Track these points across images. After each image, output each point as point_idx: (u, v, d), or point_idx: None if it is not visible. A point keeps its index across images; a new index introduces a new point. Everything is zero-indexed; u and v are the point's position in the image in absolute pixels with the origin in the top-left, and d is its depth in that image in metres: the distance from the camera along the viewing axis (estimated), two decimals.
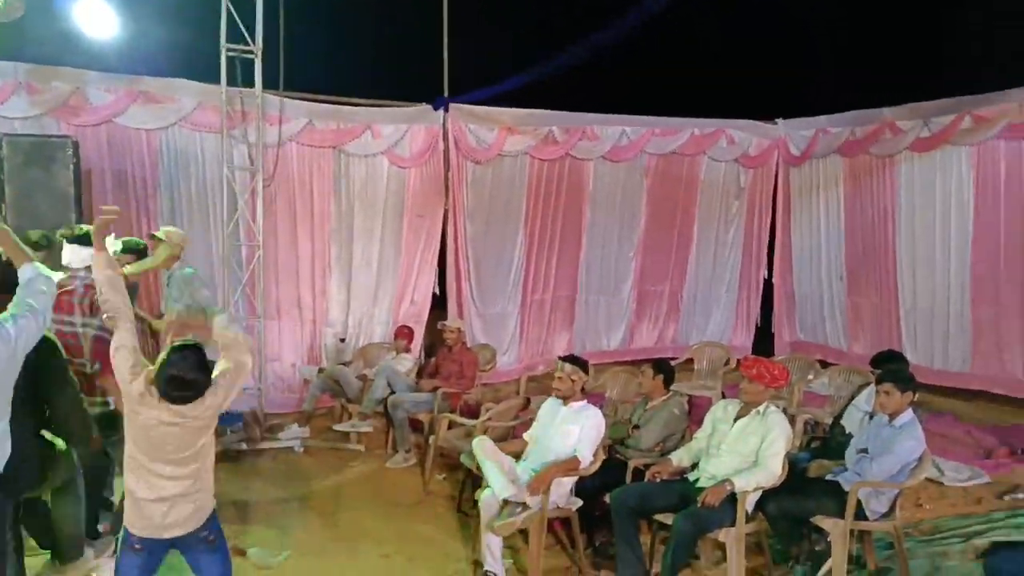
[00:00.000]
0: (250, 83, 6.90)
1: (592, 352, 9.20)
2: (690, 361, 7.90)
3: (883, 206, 8.80)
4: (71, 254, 4.13)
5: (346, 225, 7.84)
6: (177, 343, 2.98)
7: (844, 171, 9.26)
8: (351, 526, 5.09)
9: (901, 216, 8.62)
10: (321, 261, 7.76)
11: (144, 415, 2.93)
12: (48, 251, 4.61)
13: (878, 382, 4.29)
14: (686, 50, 11.11)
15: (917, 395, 5.05)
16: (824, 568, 4.16)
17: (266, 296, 7.32)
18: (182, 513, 3.02)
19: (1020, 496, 5.48)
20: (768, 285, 10.21)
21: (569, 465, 4.29)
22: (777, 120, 9.79)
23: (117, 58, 6.83)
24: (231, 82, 6.79)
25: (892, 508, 4.15)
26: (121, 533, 3.06)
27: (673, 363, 6.96)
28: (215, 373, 3.04)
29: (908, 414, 4.16)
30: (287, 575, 4.41)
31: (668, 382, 5.07)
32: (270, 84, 7.39)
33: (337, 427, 6.57)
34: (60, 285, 3.70)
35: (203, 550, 3.12)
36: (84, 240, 3.99)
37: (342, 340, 7.84)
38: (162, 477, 2.97)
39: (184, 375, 2.88)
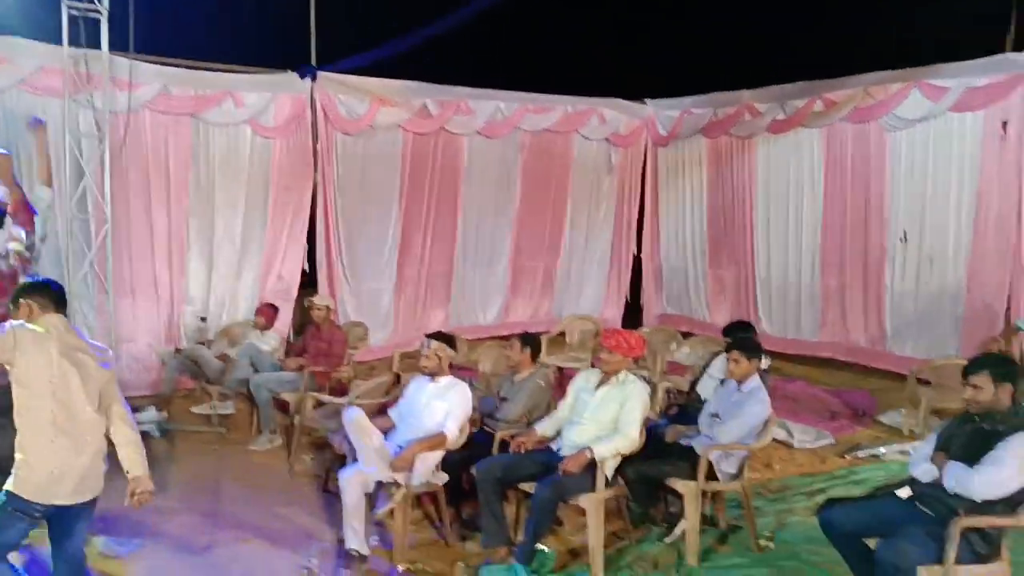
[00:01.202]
0: (97, 44, 6.41)
1: (468, 327, 9.23)
2: (562, 334, 8.04)
3: (742, 184, 9.24)
4: None
5: (206, 198, 7.46)
6: None
7: (707, 151, 9.64)
8: (209, 512, 4.87)
9: (758, 194, 9.09)
10: (179, 236, 7.34)
11: None
12: None
13: (727, 350, 4.50)
14: (558, 28, 11.21)
15: (771, 362, 5.34)
16: (679, 528, 4.35)
17: (119, 273, 6.89)
18: None
19: (860, 455, 5.92)
20: (638, 260, 10.53)
21: (435, 441, 4.27)
22: (646, 100, 10.06)
23: None
24: (75, 42, 6.28)
25: (741, 469, 4.37)
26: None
27: (545, 336, 7.09)
28: None
29: (755, 380, 4.39)
30: (139, 565, 4.18)
31: (535, 355, 5.12)
32: (120, 46, 6.89)
33: (196, 410, 6.29)
34: None
35: None
36: None
37: (203, 319, 7.48)
38: None
39: None
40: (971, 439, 3.37)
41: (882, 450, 5.91)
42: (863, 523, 3.45)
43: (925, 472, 3.44)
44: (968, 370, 3.42)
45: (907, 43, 8.44)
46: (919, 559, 3.17)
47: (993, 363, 3.40)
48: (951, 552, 3.16)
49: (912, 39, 8.48)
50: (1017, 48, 7.25)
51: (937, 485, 3.36)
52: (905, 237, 7.57)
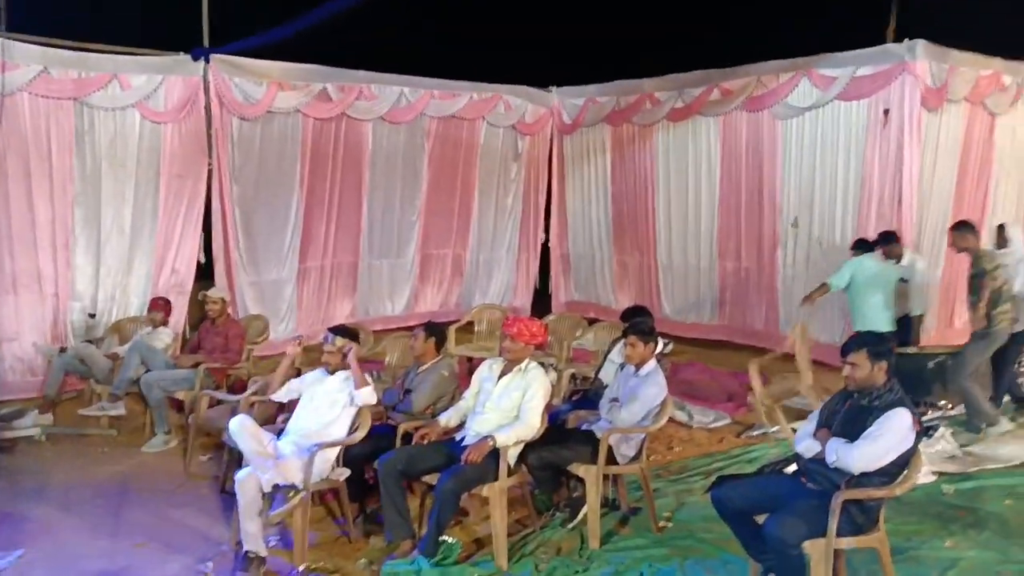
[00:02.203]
0: None
1: (376, 318, 9.13)
2: (471, 323, 8.02)
3: (644, 172, 9.44)
4: None
5: (92, 187, 7.08)
6: None
7: (610, 139, 9.79)
8: (100, 517, 4.67)
9: (659, 181, 9.31)
10: (64, 228, 6.95)
11: None
12: None
13: (623, 335, 4.58)
14: (463, 14, 11.13)
15: (672, 345, 5.47)
16: (582, 512, 4.42)
17: None
18: None
19: (755, 434, 6.15)
20: (546, 248, 10.61)
21: (333, 440, 4.20)
22: (551, 88, 10.11)
23: None
24: None
25: (640, 452, 4.46)
26: None
27: (454, 326, 7.05)
28: None
29: (652, 363, 4.48)
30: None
31: (440, 345, 5.08)
32: None
33: (84, 411, 5.98)
34: None
35: None
36: None
37: (91, 315, 7.10)
38: None
39: None
40: (850, 415, 3.54)
41: (775, 429, 6.16)
42: (752, 500, 3.57)
43: (808, 448, 3.59)
44: (845, 349, 3.57)
45: (797, 34, 8.76)
46: (804, 533, 3.31)
47: (869, 342, 3.57)
48: (833, 524, 3.31)
49: (802, 30, 8.81)
50: (898, 39, 7.63)
51: (820, 460, 3.51)
52: (796, 223, 7.87)
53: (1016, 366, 6.54)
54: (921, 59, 7.04)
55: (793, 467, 3.71)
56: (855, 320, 6.58)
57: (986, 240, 6.60)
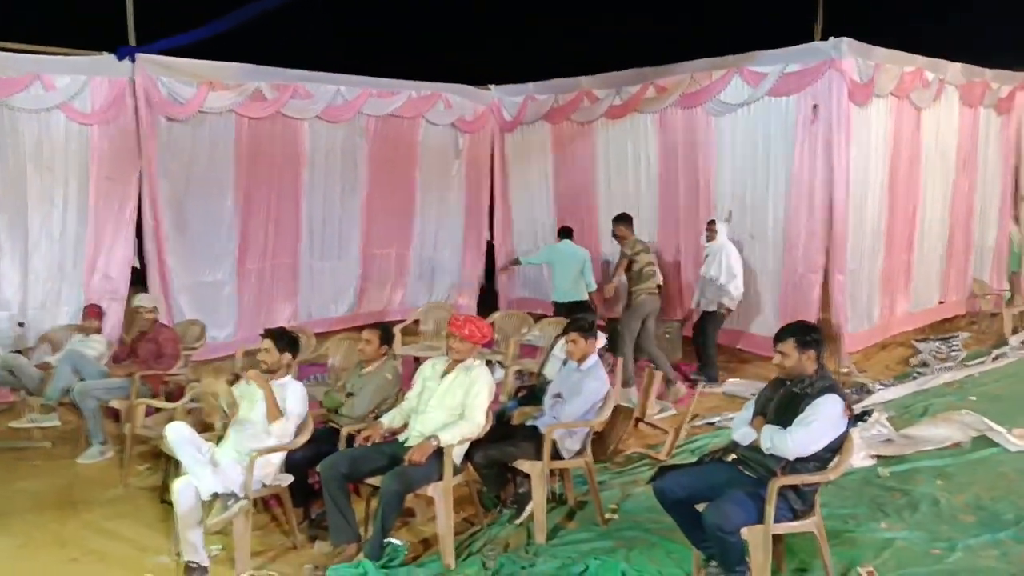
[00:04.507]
0: None
1: (319, 320, 9.00)
2: (417, 322, 7.98)
3: (585, 168, 9.51)
4: None
5: (16, 191, 6.82)
6: None
7: (551, 136, 9.84)
8: (31, 532, 4.51)
9: (599, 177, 9.39)
10: None
11: None
12: None
13: (564, 332, 4.61)
14: (400, 11, 11.06)
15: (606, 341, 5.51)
16: (528, 509, 4.44)
17: None
18: None
19: (698, 424, 6.26)
20: (491, 245, 10.60)
21: (272, 445, 4.13)
22: (490, 86, 10.12)
23: None
24: None
25: (585, 446, 4.50)
26: None
27: (400, 325, 7.00)
28: None
29: (593, 358, 4.54)
30: None
31: (385, 344, 5.03)
32: None
33: (15, 424, 5.76)
34: None
35: None
36: None
37: (20, 324, 6.85)
38: None
39: None
40: (783, 402, 3.63)
41: (717, 419, 6.29)
42: (692, 489, 3.64)
43: (744, 436, 3.68)
44: (776, 338, 3.67)
45: (729, 32, 8.95)
46: (741, 520, 3.39)
47: (797, 331, 3.67)
48: (770, 510, 3.40)
49: (733, 28, 9.00)
50: (824, 36, 7.85)
51: (756, 448, 3.60)
52: (730, 216, 8.03)
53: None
54: (847, 56, 7.25)
55: (732, 455, 3.79)
56: (554, 291, 8.14)
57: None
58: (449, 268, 10.39)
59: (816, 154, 7.48)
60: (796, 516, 3.54)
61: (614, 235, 7.55)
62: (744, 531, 3.38)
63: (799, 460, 3.49)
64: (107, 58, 7.08)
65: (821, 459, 3.52)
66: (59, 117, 6.93)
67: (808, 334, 3.64)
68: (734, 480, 3.62)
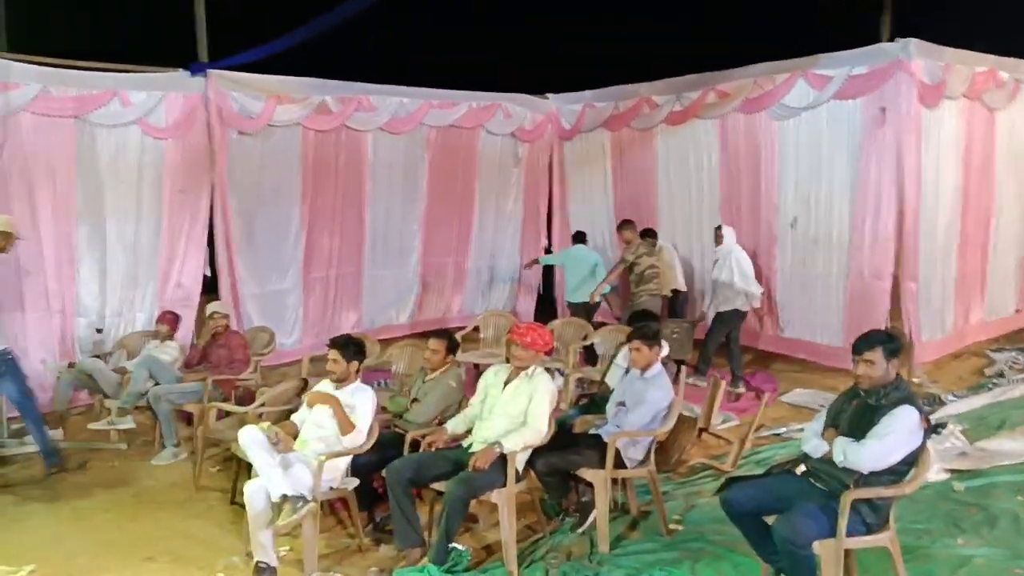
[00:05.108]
0: None
1: (381, 328, 9.14)
2: (477, 330, 8.04)
3: (645, 175, 9.45)
4: None
5: (95, 203, 7.12)
6: None
7: (610, 143, 9.82)
8: (109, 530, 4.69)
9: (660, 184, 9.32)
10: (68, 244, 7.00)
11: None
12: None
13: (628, 340, 4.59)
14: (460, 22, 11.18)
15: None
16: (591, 517, 4.42)
17: (6, 286, 6.50)
18: None
19: (763, 434, 6.14)
20: (549, 253, 10.60)
21: (340, 449, 4.20)
22: (548, 95, 10.16)
23: None
24: None
25: (648, 455, 4.47)
26: None
27: (461, 333, 7.07)
28: None
29: (657, 366, 4.50)
30: None
31: (451, 353, 5.08)
32: None
33: (93, 426, 6.01)
34: None
35: None
36: None
37: (99, 331, 7.14)
38: None
39: None
40: (857, 414, 3.54)
41: (783, 429, 6.16)
42: (761, 501, 3.57)
43: (815, 448, 3.60)
44: (861, 346, 3.52)
45: (792, 35, 8.80)
46: (813, 533, 3.31)
47: (885, 339, 3.54)
48: (843, 524, 3.31)
49: (796, 31, 8.85)
50: (891, 38, 7.65)
51: (828, 460, 3.52)
52: (795, 222, 7.88)
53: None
54: (916, 57, 7.05)
55: (802, 467, 3.71)
56: (566, 291, 8.64)
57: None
58: (506, 276, 10.45)
59: (884, 158, 7.28)
60: (869, 530, 3.45)
61: (621, 239, 8.11)
62: (816, 545, 3.30)
63: (873, 473, 3.39)
64: (181, 74, 7.35)
65: (896, 472, 3.42)
66: (135, 132, 7.21)
67: (893, 342, 3.54)
68: (804, 493, 3.54)
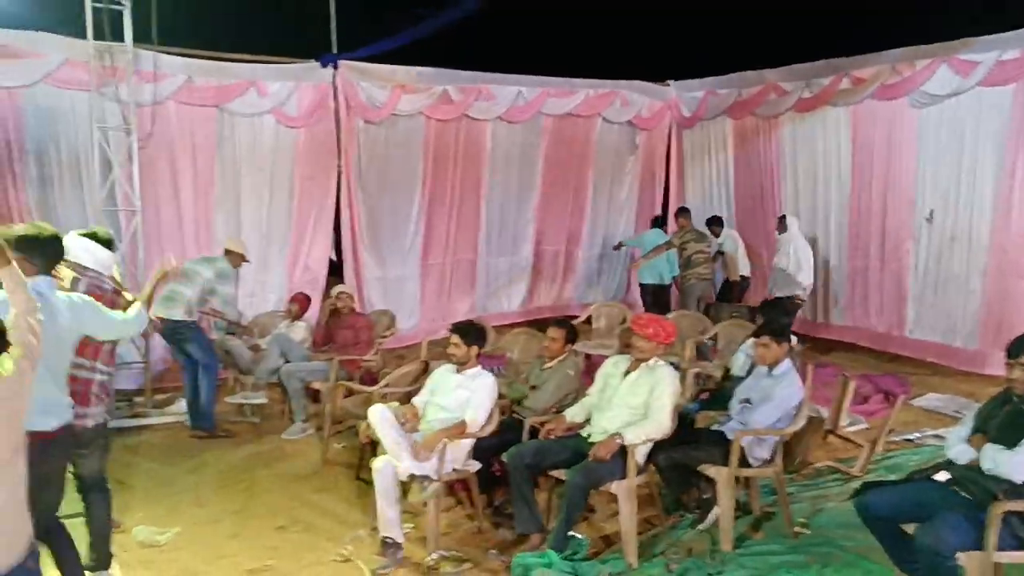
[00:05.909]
0: (121, 37, 6.46)
1: (493, 314, 9.26)
2: (588, 320, 8.01)
3: (769, 165, 9.14)
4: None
5: (232, 189, 7.53)
6: None
7: (732, 132, 9.55)
8: (244, 499, 4.95)
9: (785, 174, 8.98)
10: (206, 228, 7.43)
11: None
12: None
13: (756, 335, 4.45)
14: (577, 10, 11.09)
15: (802, 345, 5.26)
16: (712, 515, 4.34)
17: (148, 265, 6.94)
18: None
19: (894, 439, 5.85)
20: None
21: (456, 430, 4.28)
22: (668, 82, 9.96)
23: None
24: (99, 36, 6.35)
25: (774, 455, 4.34)
26: None
27: (575, 323, 7.08)
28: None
29: (786, 363, 4.35)
30: (177, 551, 4.25)
31: (570, 342, 5.09)
32: (143, 38, 6.96)
33: (229, 399, 6.35)
34: None
35: None
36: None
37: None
38: None
39: None
40: (1009, 420, 3.32)
41: (915, 435, 5.85)
42: (900, 507, 3.41)
43: (961, 453, 3.40)
44: (1016, 350, 3.32)
45: (932, 18, 8.26)
46: (958, 544, 3.13)
47: None
48: (991, 537, 3.12)
49: (937, 14, 8.30)
50: None
51: (974, 468, 3.32)
52: (931, 216, 7.44)
53: None
54: None
55: (944, 474, 3.51)
56: (640, 271, 8.84)
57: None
58: (619, 265, 10.37)
59: None
60: (1021, 545, 3.23)
61: (676, 223, 8.55)
62: (962, 557, 3.12)
63: None
64: (312, 65, 7.64)
65: None
66: (270, 121, 7.56)
67: None
68: (947, 501, 3.35)
